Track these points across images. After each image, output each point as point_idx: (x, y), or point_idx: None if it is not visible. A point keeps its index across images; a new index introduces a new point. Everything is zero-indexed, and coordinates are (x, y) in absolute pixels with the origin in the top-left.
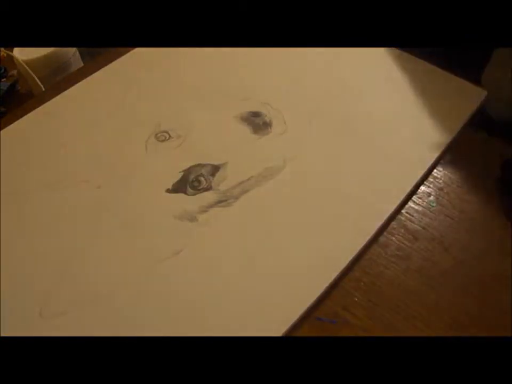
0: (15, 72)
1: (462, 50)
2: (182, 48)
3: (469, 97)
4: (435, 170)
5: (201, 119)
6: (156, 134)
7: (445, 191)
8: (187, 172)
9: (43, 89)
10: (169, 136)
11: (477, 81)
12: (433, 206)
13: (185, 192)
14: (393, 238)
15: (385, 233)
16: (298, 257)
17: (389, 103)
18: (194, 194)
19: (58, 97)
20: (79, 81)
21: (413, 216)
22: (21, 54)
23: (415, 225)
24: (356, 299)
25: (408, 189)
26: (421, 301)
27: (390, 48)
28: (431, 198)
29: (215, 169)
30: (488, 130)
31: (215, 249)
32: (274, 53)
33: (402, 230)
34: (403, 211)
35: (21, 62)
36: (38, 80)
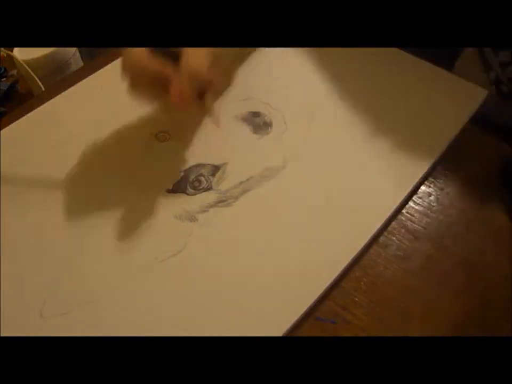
0: (15, 72)
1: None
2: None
3: (469, 97)
4: (435, 170)
5: (202, 119)
6: (156, 134)
7: (445, 191)
8: (187, 171)
9: (43, 89)
10: (170, 136)
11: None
12: (433, 206)
13: (185, 192)
14: (394, 238)
15: (385, 233)
16: (298, 257)
17: (389, 103)
18: (194, 194)
19: (58, 97)
20: (79, 81)
21: (413, 216)
22: (21, 54)
23: (416, 225)
24: (356, 299)
25: (409, 188)
26: (421, 300)
27: (390, 48)
28: (431, 198)
29: (215, 169)
30: (489, 130)
31: (215, 249)
32: (274, 53)
33: (403, 230)
34: (403, 211)
35: (21, 62)
36: (38, 80)
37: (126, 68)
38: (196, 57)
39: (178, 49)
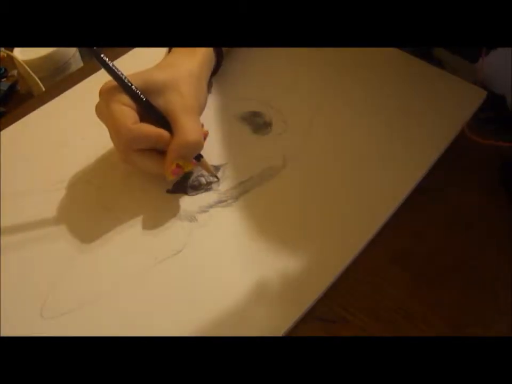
0: (15, 72)
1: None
2: None
3: (469, 97)
4: (435, 171)
5: (201, 119)
6: None
7: (445, 191)
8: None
9: (43, 89)
10: None
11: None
12: (433, 206)
13: (185, 192)
14: (394, 238)
15: (385, 233)
16: (298, 257)
17: (389, 103)
18: (194, 195)
19: (58, 97)
20: (79, 81)
21: (413, 216)
22: (21, 54)
23: (416, 225)
24: (356, 299)
25: (409, 188)
26: (421, 301)
27: (390, 48)
28: (431, 198)
29: (215, 169)
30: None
31: (215, 249)
32: (274, 53)
33: (403, 230)
34: (403, 211)
35: (21, 62)
36: (38, 81)
37: (127, 142)
38: (191, 130)
39: (167, 113)
